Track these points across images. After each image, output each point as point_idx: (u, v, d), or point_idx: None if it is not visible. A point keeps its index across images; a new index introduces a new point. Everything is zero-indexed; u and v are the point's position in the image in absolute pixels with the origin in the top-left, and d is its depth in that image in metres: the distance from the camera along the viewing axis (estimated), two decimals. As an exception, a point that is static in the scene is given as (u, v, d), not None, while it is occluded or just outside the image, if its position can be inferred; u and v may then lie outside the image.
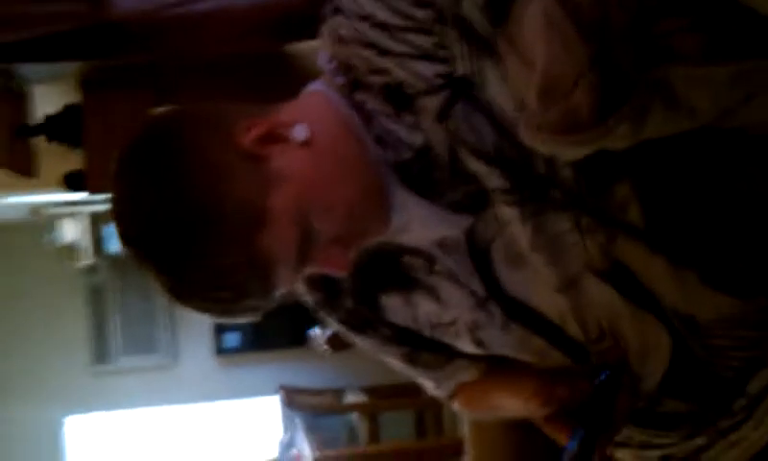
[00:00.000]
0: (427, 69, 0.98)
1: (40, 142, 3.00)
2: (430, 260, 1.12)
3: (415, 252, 1.13)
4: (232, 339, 6.09)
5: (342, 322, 1.26)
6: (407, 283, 1.16)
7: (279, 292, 1.06)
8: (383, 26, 0.99)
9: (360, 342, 1.28)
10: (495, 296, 1.10)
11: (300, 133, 1.02)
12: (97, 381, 6.10)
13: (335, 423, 5.58)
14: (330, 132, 1.04)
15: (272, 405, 6.03)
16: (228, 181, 0.99)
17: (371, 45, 1.01)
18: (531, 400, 1.11)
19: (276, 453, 5.70)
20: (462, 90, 0.98)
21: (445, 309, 1.15)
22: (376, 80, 1.02)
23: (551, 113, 0.88)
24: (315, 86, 1.09)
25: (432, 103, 0.99)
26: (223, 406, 6.27)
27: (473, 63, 0.97)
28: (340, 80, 1.05)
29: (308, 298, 1.26)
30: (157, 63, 2.52)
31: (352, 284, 1.21)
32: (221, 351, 6.13)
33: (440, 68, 0.98)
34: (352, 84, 1.04)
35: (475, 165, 1.01)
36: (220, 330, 6.06)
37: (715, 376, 1.06)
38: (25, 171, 3.07)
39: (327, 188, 1.03)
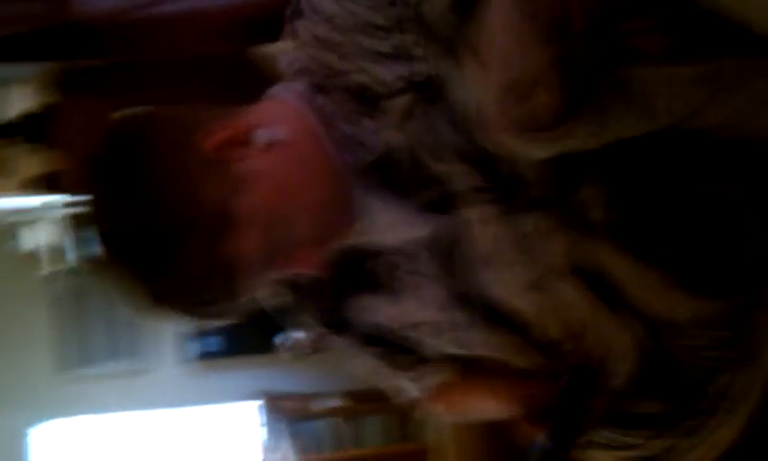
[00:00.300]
0: (388, 72, 0.98)
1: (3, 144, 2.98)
2: (397, 262, 1.12)
3: (381, 254, 1.13)
4: (211, 344, 6.06)
5: (313, 324, 1.27)
6: (376, 285, 1.16)
7: (248, 296, 1.06)
8: (343, 29, 1.00)
9: (333, 344, 1.29)
10: (464, 296, 1.09)
11: (262, 136, 1.02)
12: (72, 386, 6.04)
13: (318, 427, 5.58)
14: (293, 135, 1.04)
15: (252, 410, 6.01)
16: (192, 186, 0.99)
17: (332, 48, 1.01)
18: (505, 401, 1.12)
19: (260, 458, 5.69)
20: (424, 93, 0.98)
21: (414, 311, 1.15)
22: (337, 83, 1.02)
23: (512, 114, 0.89)
24: (277, 90, 1.08)
25: (394, 106, 0.99)
26: (203, 412, 6.23)
27: (435, 66, 0.96)
28: (301, 83, 1.06)
29: (278, 300, 1.26)
30: (123, 65, 2.51)
31: (322, 286, 1.21)
32: (200, 355, 6.09)
33: (401, 71, 0.98)
34: (313, 87, 1.05)
35: (439, 167, 1.01)
36: (198, 335, 6.02)
37: (683, 377, 1.06)
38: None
39: (292, 191, 1.03)
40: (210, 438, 6.21)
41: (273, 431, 5.61)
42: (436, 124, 0.98)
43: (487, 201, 1.00)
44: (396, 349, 1.23)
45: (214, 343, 6.04)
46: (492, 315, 1.09)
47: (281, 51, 1.09)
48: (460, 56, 0.93)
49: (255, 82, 1.19)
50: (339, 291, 1.20)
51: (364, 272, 1.16)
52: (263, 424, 5.72)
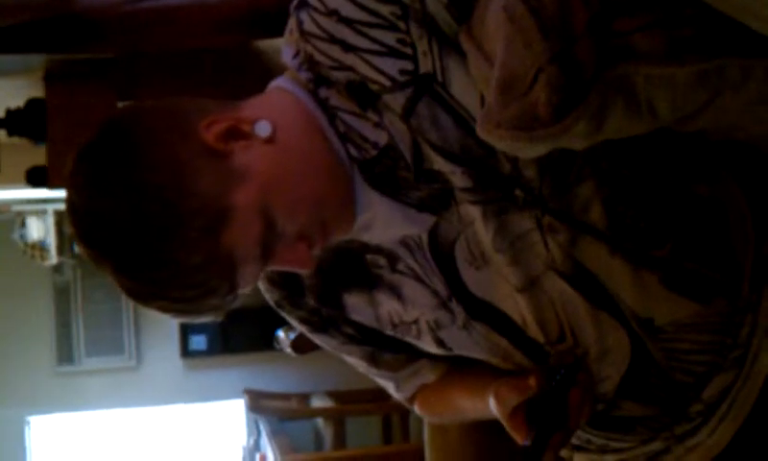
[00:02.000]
0: (392, 66, 0.97)
1: (2, 137, 2.96)
2: (393, 259, 1.11)
3: (378, 250, 1.12)
4: (198, 342, 6.05)
5: (304, 321, 1.24)
6: (370, 282, 1.15)
7: (242, 290, 1.04)
8: (348, 21, 0.98)
9: (322, 342, 1.27)
10: (458, 295, 1.09)
11: (263, 129, 1.01)
12: (61, 382, 6.03)
13: (301, 427, 5.57)
14: (294, 128, 1.03)
15: (237, 409, 6.00)
16: (190, 177, 0.97)
17: (336, 41, 0.99)
18: (491, 401, 1.09)
19: (239, 458, 5.68)
20: (426, 87, 0.97)
21: (407, 308, 1.14)
22: (340, 76, 1.01)
23: (510, 110, 0.87)
24: (279, 83, 1.07)
25: (396, 100, 0.98)
26: (188, 409, 6.22)
27: (438, 60, 0.96)
28: (304, 75, 1.04)
29: (269, 295, 1.24)
30: (122, 57, 2.50)
31: (316, 282, 1.19)
32: (187, 353, 6.08)
33: (404, 65, 0.97)
34: (317, 79, 1.03)
35: (440, 163, 1.00)
36: (186, 333, 6.02)
37: (673, 381, 1.06)
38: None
39: (291, 184, 1.01)
40: (195, 435, 6.20)
41: (253, 430, 5.59)
42: (439, 119, 0.98)
43: (485, 199, 1.00)
44: (386, 347, 1.23)
45: (200, 341, 6.04)
46: (485, 315, 1.08)
47: (285, 42, 1.07)
48: (464, 49, 0.93)
49: (257, 74, 1.20)
50: (332, 286, 1.19)
51: (361, 267, 1.14)
52: (246, 423, 5.71)
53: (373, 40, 0.97)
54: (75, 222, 0.99)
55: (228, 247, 0.98)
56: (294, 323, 1.27)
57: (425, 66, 0.96)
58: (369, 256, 1.13)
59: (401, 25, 0.96)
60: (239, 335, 5.88)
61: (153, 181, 0.96)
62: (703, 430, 1.09)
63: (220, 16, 2.17)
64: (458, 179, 1.00)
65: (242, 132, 1.00)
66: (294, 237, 1.03)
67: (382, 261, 1.12)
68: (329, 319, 1.22)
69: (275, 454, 4.70)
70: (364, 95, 1.00)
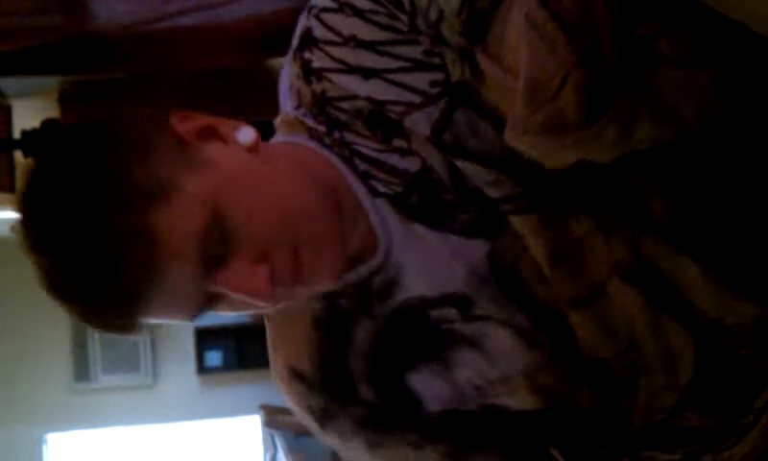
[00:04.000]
0: (422, 80, 0.92)
1: (18, 157, 2.97)
2: (465, 304, 0.97)
3: (442, 301, 0.98)
4: (214, 358, 6.06)
5: (359, 424, 1.04)
6: (439, 344, 0.99)
7: (167, 312, 0.91)
8: (368, 45, 0.93)
9: (379, 451, 1.06)
10: (541, 324, 0.96)
11: (245, 135, 0.93)
12: (78, 399, 6.05)
13: (317, 442, 5.49)
14: (288, 153, 0.97)
15: (253, 425, 6.00)
16: (146, 148, 0.89)
17: (354, 70, 0.94)
18: None
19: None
20: (462, 96, 0.91)
21: (493, 362, 0.98)
22: (359, 106, 0.94)
23: (538, 116, 0.82)
24: (278, 140, 1.02)
25: (424, 119, 0.92)
26: (204, 425, 6.23)
27: (468, 66, 0.91)
28: (311, 122, 0.98)
29: (305, 406, 1.07)
30: (136, 78, 2.51)
31: (369, 366, 1.01)
32: (202, 370, 6.09)
33: (434, 76, 0.92)
34: (328, 122, 0.97)
35: (481, 175, 0.93)
36: (202, 349, 6.03)
37: (733, 389, 1.00)
38: (7, 187, 3.03)
39: (258, 189, 0.91)
40: (211, 452, 6.20)
41: (270, 445, 5.58)
42: (477, 126, 0.91)
43: (536, 204, 0.91)
44: (471, 433, 1.03)
45: (216, 358, 6.05)
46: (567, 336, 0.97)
47: (285, 95, 1.00)
48: (482, 68, 0.89)
49: (275, 94, 1.19)
50: (391, 371, 1.01)
51: (425, 331, 0.99)
52: (262, 438, 5.71)
53: (398, 57, 0.93)
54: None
55: (159, 229, 0.85)
56: (342, 437, 1.07)
57: (456, 74, 0.91)
58: (434, 313, 0.98)
59: (422, 38, 0.91)
60: (255, 351, 5.87)
61: (107, 147, 0.88)
62: (749, 438, 1.04)
63: (236, 35, 2.15)
64: (504, 187, 0.92)
65: (218, 133, 0.93)
66: (252, 256, 0.89)
67: (452, 313, 0.97)
68: (393, 415, 1.03)
69: (291, 470, 4.69)
70: (385, 125, 0.94)
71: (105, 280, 0.86)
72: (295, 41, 0.99)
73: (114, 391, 6.05)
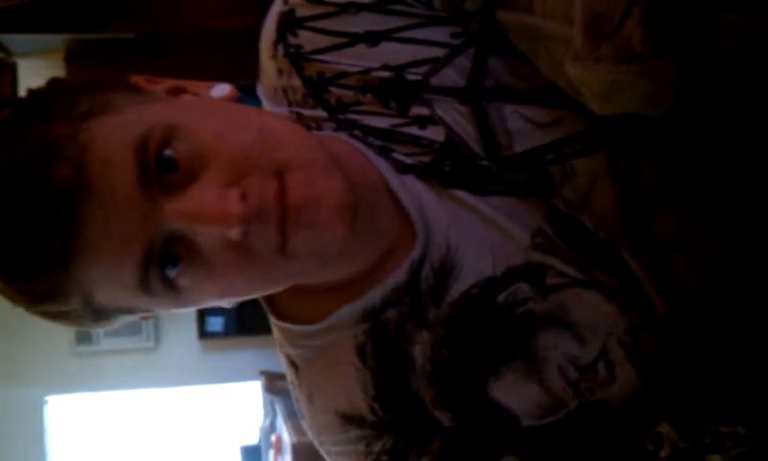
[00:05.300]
0: (440, 33, 0.83)
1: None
2: (537, 274, 0.83)
3: (510, 277, 0.83)
4: (215, 323, 6.07)
5: (441, 458, 0.86)
6: (519, 334, 0.83)
7: (118, 254, 0.71)
8: (372, 6, 0.84)
9: None
10: (628, 280, 0.81)
11: (220, 90, 0.82)
12: (80, 361, 6.07)
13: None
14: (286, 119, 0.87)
15: (254, 390, 6.02)
16: (99, 83, 0.79)
17: (357, 38, 0.84)
18: None
19: (256, 438, 5.70)
20: (490, 42, 0.81)
21: (583, 339, 0.84)
22: (365, 81, 0.84)
23: (602, 50, 0.73)
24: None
25: (454, 73, 0.82)
26: (205, 390, 6.25)
27: (487, 20, 0.81)
28: (308, 112, 0.87)
29: (377, 449, 0.87)
30: (141, 37, 2.50)
31: (439, 387, 0.84)
32: (204, 334, 6.10)
33: (453, 29, 0.82)
34: (328, 108, 0.86)
35: (537, 118, 0.80)
36: (203, 314, 6.04)
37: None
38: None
39: (230, 114, 0.78)
40: (211, 416, 6.23)
41: (269, 411, 5.60)
42: (519, 69, 0.80)
43: (598, 146, 0.79)
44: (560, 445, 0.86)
45: (217, 323, 6.06)
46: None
47: (270, 99, 0.90)
48: (504, 22, 0.79)
49: None
50: (470, 388, 0.84)
51: (498, 322, 0.83)
52: (263, 404, 5.74)
53: (410, 15, 0.83)
54: None
55: (90, 139, 0.71)
56: None
57: (475, 26, 0.81)
58: (502, 296, 0.83)
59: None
60: (256, 317, 5.84)
61: (63, 100, 0.78)
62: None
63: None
64: (566, 126, 0.80)
65: (188, 90, 0.82)
66: (222, 180, 0.71)
67: (524, 289, 0.83)
68: (479, 438, 0.86)
69: (290, 435, 4.71)
70: (403, 92, 0.84)
71: (31, 188, 0.71)
72: (271, 37, 0.88)
73: (115, 354, 6.07)
